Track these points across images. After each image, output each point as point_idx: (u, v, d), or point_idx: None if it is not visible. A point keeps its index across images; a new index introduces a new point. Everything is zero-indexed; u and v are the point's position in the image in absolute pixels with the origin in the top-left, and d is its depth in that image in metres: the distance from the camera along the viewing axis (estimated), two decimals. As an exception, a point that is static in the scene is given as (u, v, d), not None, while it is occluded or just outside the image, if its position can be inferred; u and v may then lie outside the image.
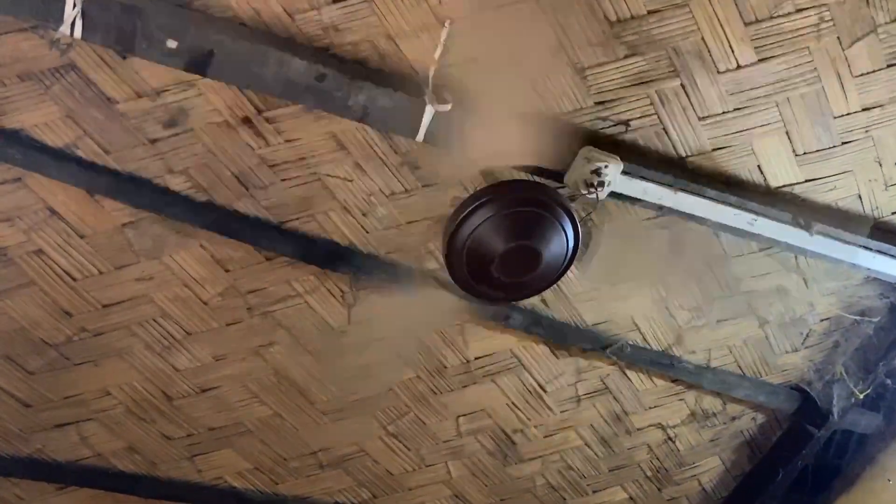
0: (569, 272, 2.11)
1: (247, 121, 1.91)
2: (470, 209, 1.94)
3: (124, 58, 1.75)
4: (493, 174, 2.02)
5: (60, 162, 1.90)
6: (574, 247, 2.02)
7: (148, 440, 2.49)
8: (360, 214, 2.11)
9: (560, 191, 2.01)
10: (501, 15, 1.81)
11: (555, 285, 2.15)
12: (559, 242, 1.99)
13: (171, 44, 1.68)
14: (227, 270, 2.16)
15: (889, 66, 2.01)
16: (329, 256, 2.17)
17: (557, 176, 1.99)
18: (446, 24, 1.79)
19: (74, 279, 2.11)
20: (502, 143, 1.94)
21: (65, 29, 1.60)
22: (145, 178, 1.97)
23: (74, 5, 1.58)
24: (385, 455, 2.68)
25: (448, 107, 1.82)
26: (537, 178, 2.03)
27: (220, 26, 1.72)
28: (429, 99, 1.81)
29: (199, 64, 1.72)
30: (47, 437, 2.41)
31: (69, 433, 2.41)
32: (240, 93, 1.85)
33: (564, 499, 2.90)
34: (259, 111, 1.90)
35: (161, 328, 2.25)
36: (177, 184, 2.00)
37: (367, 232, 2.16)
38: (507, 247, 1.94)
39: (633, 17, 1.86)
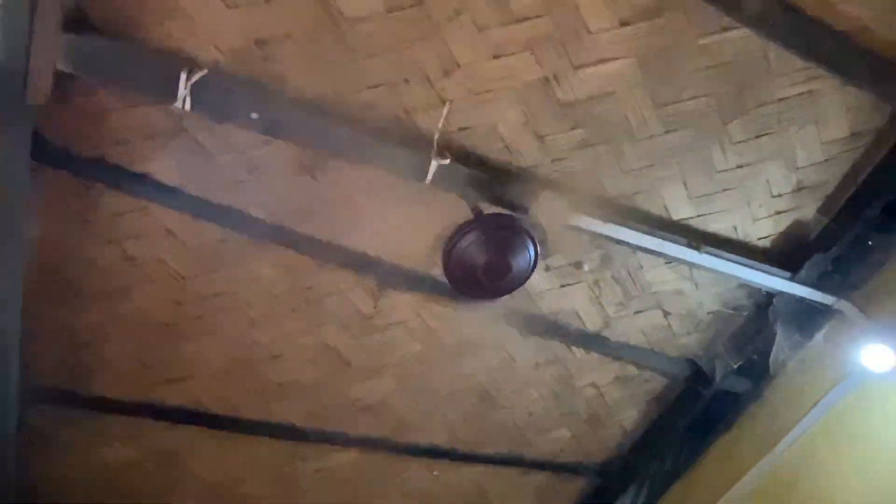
0: (531, 278, 2.11)
1: (307, 168, 1.90)
2: (462, 233, 1.94)
3: (220, 124, 1.74)
4: (479, 208, 2.01)
5: (174, 196, 1.89)
6: (534, 260, 2.02)
7: (235, 392, 2.47)
8: (384, 235, 2.10)
9: (525, 221, 2.00)
10: (485, 99, 1.82)
11: (521, 286, 2.15)
12: (524, 257, 1.99)
13: (254, 115, 1.68)
14: (291, 273, 2.15)
15: (757, 136, 2.02)
16: (363, 264, 2.15)
17: (525, 210, 1.96)
18: (447, 105, 1.79)
19: (183, 278, 2.09)
20: (487, 188, 1.93)
21: (178, 104, 1.59)
22: (234, 208, 1.96)
23: (184, 86, 1.57)
24: (402, 404, 2.65)
25: (447, 161, 1.81)
26: (509, 212, 2.00)
27: (286, 104, 1.73)
28: (433, 155, 1.80)
29: (272, 129, 1.72)
30: (162, 389, 2.40)
31: (177, 386, 2.39)
32: (301, 151, 1.84)
33: (527, 436, 2.87)
34: (315, 163, 1.88)
35: (244, 313, 2.23)
36: (256, 212, 1.98)
37: (391, 248, 2.14)
38: (487, 259, 1.95)
39: (577, 101, 1.86)
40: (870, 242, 2.27)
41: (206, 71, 1.59)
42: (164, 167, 1.84)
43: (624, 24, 1.73)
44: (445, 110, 1.80)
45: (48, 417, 2.39)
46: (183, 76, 1.57)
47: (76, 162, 1.78)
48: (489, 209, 1.99)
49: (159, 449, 2.59)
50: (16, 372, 2.07)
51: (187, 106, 1.59)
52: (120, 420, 2.45)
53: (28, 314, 1.97)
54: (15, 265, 1.82)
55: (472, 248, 1.97)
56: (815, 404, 2.34)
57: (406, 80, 1.75)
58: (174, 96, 1.58)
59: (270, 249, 2.06)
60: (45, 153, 1.73)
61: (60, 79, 1.53)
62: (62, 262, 1.99)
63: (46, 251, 1.94)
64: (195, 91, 1.58)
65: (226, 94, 1.64)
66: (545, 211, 1.92)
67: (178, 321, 2.19)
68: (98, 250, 1.97)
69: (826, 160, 2.11)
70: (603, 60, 1.79)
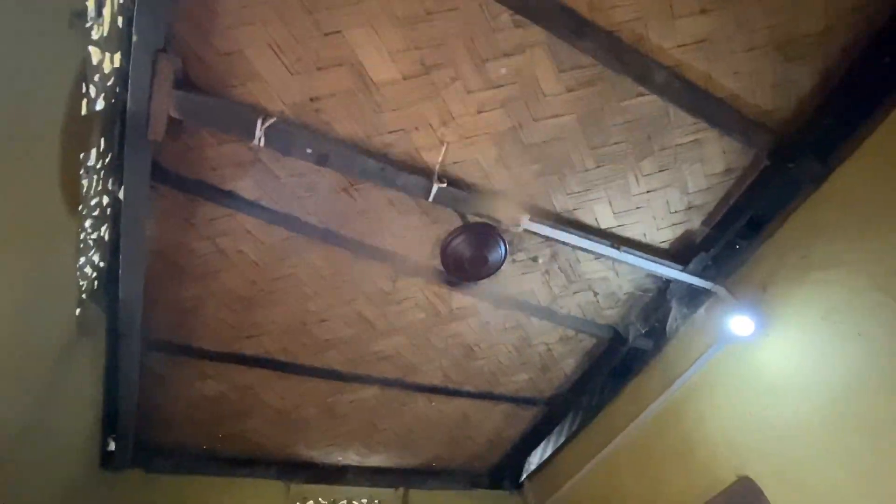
0: (501, 268, 2.10)
1: (345, 189, 1.89)
2: (453, 236, 1.93)
3: (285, 155, 1.71)
4: (466, 218, 1.99)
5: (252, 207, 1.88)
6: (504, 255, 2.01)
7: (293, 345, 2.44)
8: (399, 236, 2.08)
9: (499, 227, 1.98)
10: (471, 142, 1.81)
11: (495, 273, 2.14)
12: (497, 253, 1.98)
13: (309, 151, 1.66)
14: (333, 262, 2.12)
15: (660, 170, 2.02)
16: (384, 257, 2.13)
17: (498, 220, 1.94)
18: (444, 145, 1.79)
19: (258, 265, 2.07)
20: (472, 205, 1.92)
21: (255, 142, 1.58)
22: (295, 216, 1.94)
23: (259, 129, 1.56)
24: (409, 355, 2.63)
25: (444, 185, 1.80)
26: (488, 221, 1.98)
27: (332, 143, 1.71)
28: (434, 181, 1.79)
29: (322, 160, 1.70)
30: (243, 342, 2.37)
31: (253, 340, 2.37)
32: (342, 176, 1.83)
33: (497, 378, 2.87)
34: (351, 184, 1.87)
35: (301, 290, 2.20)
36: (311, 219, 1.97)
37: (403, 245, 2.12)
38: (471, 254, 1.94)
39: (536, 143, 1.85)
40: (737, 246, 2.27)
41: (275, 119, 1.58)
42: (245, 186, 1.83)
43: (569, 90, 1.74)
44: (443, 149, 1.79)
45: (163, 362, 2.37)
46: (259, 122, 1.56)
47: (183, 182, 1.77)
48: (473, 219, 1.99)
49: (241, 384, 2.57)
50: (138, 329, 2.05)
51: (262, 143, 1.59)
52: (213, 364, 2.43)
53: (149, 289, 1.96)
54: (140, 255, 1.81)
55: (461, 245, 1.95)
56: (697, 358, 2.34)
57: (416, 128, 1.74)
58: (253, 136, 1.57)
59: (320, 246, 2.05)
60: (161, 175, 1.72)
61: (172, 123, 1.52)
62: (173, 253, 1.97)
63: (162, 245, 1.93)
64: (268, 133, 1.58)
65: (289, 135, 1.63)
66: (513, 220, 1.91)
67: (253, 295, 2.17)
68: (198, 244, 1.96)
69: (709, 187, 2.11)
70: (554, 115, 1.79)
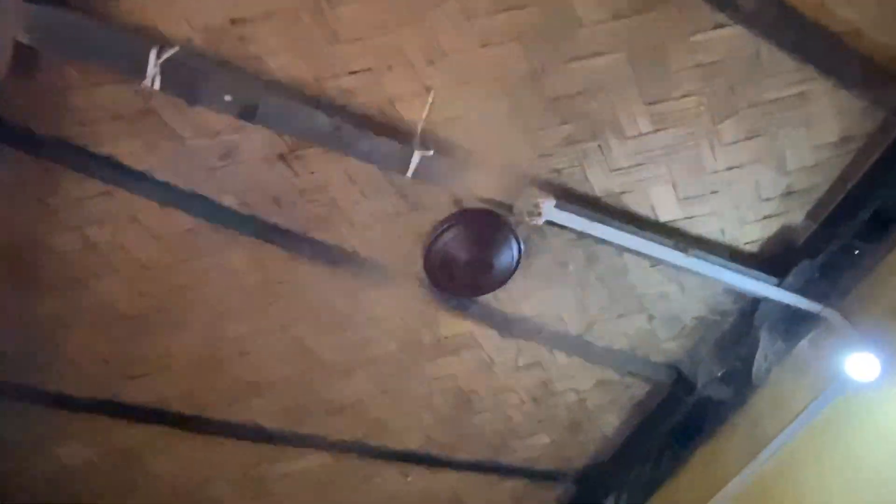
0: (512, 277, 2.10)
1: (282, 157, 1.87)
2: (443, 229, 1.94)
3: (192, 106, 1.69)
4: (462, 203, 2.00)
5: (140, 181, 1.86)
6: (517, 260, 2.02)
7: (201, 389, 2.42)
8: (362, 229, 2.08)
9: (509, 218, 1.99)
10: (470, 90, 1.81)
11: (503, 286, 2.15)
12: (507, 255, 1.99)
13: (227, 98, 1.65)
14: (262, 266, 2.12)
15: (748, 138, 2.03)
16: (339, 259, 2.13)
17: (508, 207, 1.96)
18: (431, 94, 1.78)
19: (148, 268, 2.05)
20: (472, 182, 1.93)
21: (147, 83, 1.56)
22: (204, 195, 1.93)
23: (153, 64, 1.54)
24: (376, 406, 2.62)
25: (430, 153, 1.80)
26: (493, 208, 1.99)
27: (264, 86, 1.70)
28: (416, 147, 1.79)
29: (247, 114, 1.69)
30: (123, 385, 2.34)
31: (139, 382, 2.34)
32: (277, 136, 1.82)
33: (504, 441, 2.86)
34: (291, 150, 1.86)
35: (212, 307, 2.19)
36: (228, 201, 1.96)
37: (369, 242, 2.12)
38: (468, 257, 1.95)
39: (566, 96, 1.86)
40: (857, 251, 2.29)
41: (177, 49, 1.56)
42: (130, 150, 1.80)
43: (617, 17, 1.74)
44: (430, 100, 1.78)
45: (1, 413, 2.32)
46: (153, 54, 1.53)
47: (36, 142, 1.74)
48: (472, 205, 1.99)
49: (119, 448, 2.53)
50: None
51: (156, 85, 1.56)
52: (78, 417, 2.39)
53: (-21, 303, 1.94)
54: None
55: (454, 244, 1.96)
56: (798, 413, 2.35)
57: (389, 67, 1.73)
58: (143, 75, 1.54)
59: (242, 240, 2.03)
60: (3, 131, 1.69)
61: (20, 52, 1.49)
62: (19, 249, 1.94)
63: (2, 236, 1.90)
64: (165, 70, 1.55)
65: (198, 75, 1.61)
66: (530, 208, 1.91)
67: (141, 314, 2.15)
68: (58, 236, 1.93)
69: (816, 164, 2.13)
70: (593, 54, 1.79)
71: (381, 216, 2.04)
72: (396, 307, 2.30)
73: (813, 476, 2.31)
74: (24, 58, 1.53)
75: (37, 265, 1.97)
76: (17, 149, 1.74)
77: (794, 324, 2.42)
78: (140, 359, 2.27)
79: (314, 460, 2.75)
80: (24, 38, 1.46)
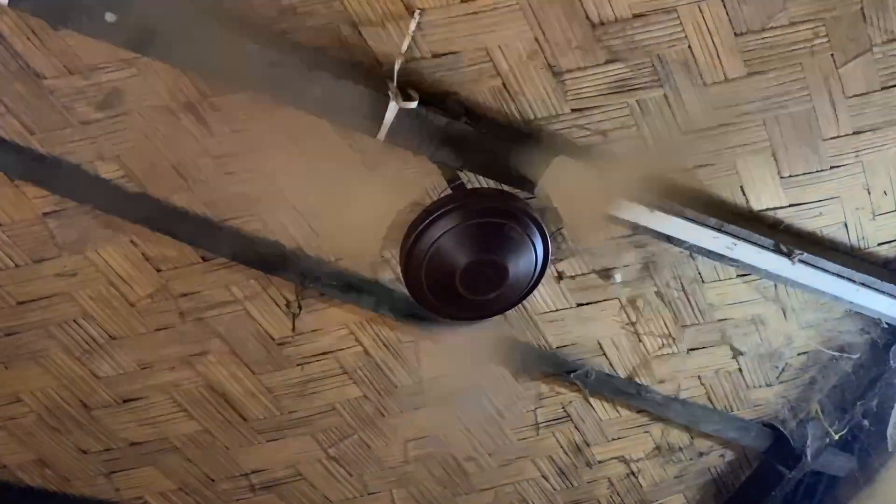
0: (535, 291, 2.12)
1: (190, 106, 1.89)
2: (432, 217, 1.93)
3: (56, 30, 1.70)
4: (459, 180, 2.00)
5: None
6: (543, 262, 2.03)
7: (61, 453, 2.45)
8: (310, 216, 2.10)
9: (530, 202, 2.01)
10: (475, 10, 1.80)
11: (521, 301, 2.16)
12: (527, 258, 1.99)
13: (110, 17, 1.64)
14: (158, 270, 2.14)
15: (884, 88, 2.04)
16: (273, 260, 2.15)
17: (529, 185, 1.98)
18: (416, 14, 1.77)
19: None
20: (471, 147, 1.94)
21: (-10, -1, 1.56)
22: (73, 164, 1.94)
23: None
24: (324, 480, 2.66)
25: (414, 104, 1.80)
26: (506, 188, 2.01)
27: (161, 3, 1.68)
28: (393, 95, 1.79)
29: (139, 42, 1.69)
30: None
31: None
32: (184, 76, 1.82)
33: (516, 538, 2.89)
34: (204, 96, 1.87)
35: (82, 330, 2.22)
36: (108, 171, 1.97)
37: (318, 235, 2.14)
38: (470, 260, 1.94)
39: (616, 20, 1.86)
40: None
41: (32, -58, 1.56)
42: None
43: None
44: (413, 24, 1.78)
45: None
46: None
47: None
48: (474, 182, 2.01)
49: None
50: None
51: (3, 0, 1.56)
52: None
53: None
54: None
55: (447, 241, 1.95)
56: (952, 496, 2.39)
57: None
58: (-18, -17, 1.56)
59: (128, 231, 2.05)
60: None
61: None
62: None
63: None
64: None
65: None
66: (561, 188, 1.93)
67: None
68: None
69: None
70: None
71: (339, 197, 2.05)
72: (359, 333, 2.34)
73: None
74: None
75: None
76: None
77: (949, 364, 2.45)
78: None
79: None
80: None
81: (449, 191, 2.01)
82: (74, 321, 2.19)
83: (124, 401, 2.35)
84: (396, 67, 1.80)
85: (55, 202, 1.98)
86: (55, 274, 2.09)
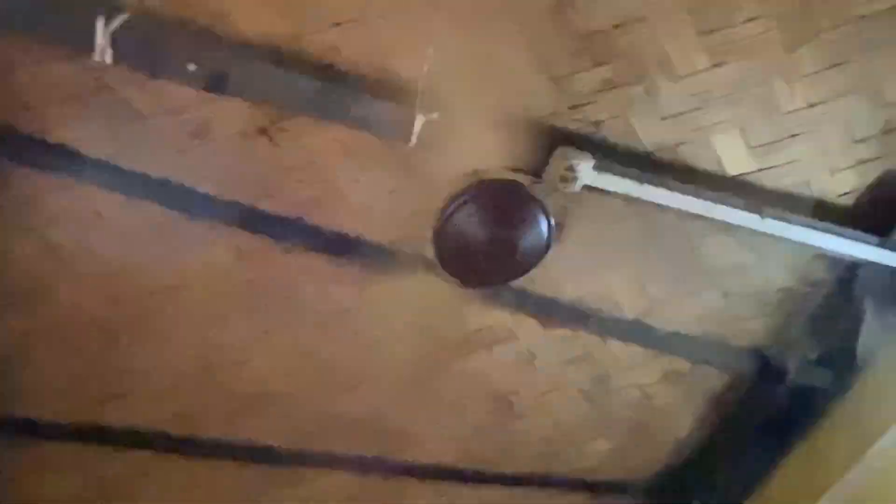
0: (548, 254, 2.13)
1: (263, 131, 1.91)
2: (456, 205, 1.97)
3: (152, 78, 1.75)
4: (478, 174, 2.02)
5: (101, 171, 1.92)
6: (548, 236, 2.04)
7: (191, 407, 2.52)
8: (362, 210, 2.12)
9: (538, 186, 2.02)
10: (483, 34, 1.82)
11: (539, 266, 2.18)
12: (535, 233, 2.01)
13: (191, 67, 1.69)
14: (251, 261, 2.18)
15: (833, 66, 1.99)
16: (341, 247, 2.18)
17: (536, 173, 1.99)
18: (432, 42, 1.79)
19: (119, 272, 2.13)
20: (488, 146, 1.95)
21: (97, 57, 1.61)
22: (176, 182, 1.99)
23: (103, 34, 1.59)
24: (399, 415, 2.70)
25: (436, 115, 1.83)
26: (515, 177, 2.02)
27: (233, 50, 1.73)
28: (419, 109, 1.81)
29: (216, 84, 1.73)
30: (102, 407, 2.45)
31: (120, 403, 2.45)
32: (255, 107, 1.86)
33: (554, 450, 2.92)
34: (273, 122, 1.90)
35: (197, 310, 2.27)
36: (204, 187, 2.01)
37: (372, 225, 2.17)
38: (486, 236, 1.98)
39: (600, 31, 1.84)
40: None
41: (128, 15, 1.60)
42: (86, 135, 1.86)
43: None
44: (431, 51, 1.79)
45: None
46: (100, 23, 1.58)
47: (-25, 133, 1.82)
48: (490, 175, 2.02)
49: (105, 478, 2.66)
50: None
51: (108, 59, 1.61)
52: (55, 447, 2.52)
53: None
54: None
55: (469, 224, 1.99)
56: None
57: (380, 15, 1.74)
58: (92, 47, 1.60)
59: (224, 232, 2.08)
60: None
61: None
62: None
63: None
64: (117, 39, 1.59)
65: (156, 42, 1.66)
66: (563, 172, 1.93)
67: (115, 323, 2.23)
68: (12, 242, 2.01)
69: (923, 92, 2.09)
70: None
71: (383, 194, 2.08)
72: (412, 298, 2.34)
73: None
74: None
75: None
76: (-45, 143, 1.83)
77: (905, 293, 2.40)
78: (119, 375, 2.37)
79: (333, 482, 2.86)
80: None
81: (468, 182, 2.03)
82: (193, 305, 2.25)
83: (235, 363, 2.43)
84: (420, 87, 1.82)
85: (165, 214, 2.02)
86: (173, 269, 2.16)
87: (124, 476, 2.68)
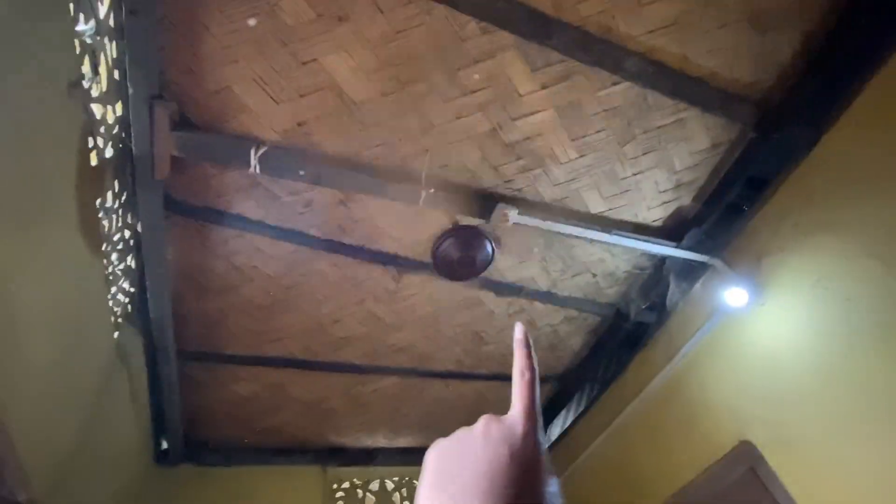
0: (494, 261, 2.17)
1: (341, 202, 1.96)
2: (443, 237, 2.01)
3: (281, 178, 1.81)
4: (455, 221, 2.06)
5: (258, 226, 1.97)
6: (492, 254, 2.09)
7: (313, 345, 2.54)
8: (396, 239, 2.14)
9: (486, 226, 2.04)
10: (454, 147, 1.85)
11: (483, 272, 2.23)
12: (484, 253, 2.05)
13: (301, 172, 1.75)
14: (339, 269, 2.20)
15: (645, 153, 2.02)
16: (385, 259, 2.20)
17: (485, 218, 2.00)
18: (428, 153, 1.84)
19: (271, 277, 2.16)
20: (460, 205, 1.97)
21: (251, 169, 1.67)
22: (298, 230, 2.03)
23: (254, 158, 1.65)
24: (423, 346, 2.69)
25: (432, 191, 1.87)
26: (474, 223, 2.06)
27: (323, 162, 1.78)
28: (423, 187, 1.86)
29: (315, 179, 1.78)
30: (267, 346, 2.50)
31: (277, 343, 2.48)
32: (337, 191, 1.91)
33: (508, 359, 2.91)
34: (346, 197, 1.95)
35: (313, 296, 2.28)
36: (313, 231, 2.05)
37: (402, 247, 2.19)
38: (459, 256, 2.01)
39: (517, 141, 1.89)
40: (731, 218, 2.21)
41: (266, 147, 1.67)
42: (249, 208, 1.93)
43: (544, 87, 1.76)
44: (428, 156, 1.84)
45: (199, 370, 2.54)
46: (253, 151, 1.66)
47: (194, 210, 1.89)
48: (464, 220, 2.05)
49: (270, 383, 2.72)
50: (172, 344, 2.22)
51: (258, 170, 1.68)
52: (243, 368, 2.58)
53: (176, 307, 2.12)
54: (164, 278, 1.95)
55: (450, 249, 2.02)
56: (697, 330, 2.36)
57: (399, 139, 1.79)
58: (249, 164, 1.67)
59: (324, 255, 2.13)
60: (173, 206, 1.84)
61: (176, 160, 1.63)
62: (194, 273, 2.10)
63: (183, 267, 2.07)
64: (262, 160, 1.67)
65: (282, 160, 1.72)
66: (501, 217, 1.96)
67: (271, 304, 2.28)
68: (215, 263, 2.08)
69: (696, 164, 2.09)
70: (532, 112, 1.81)
71: (407, 231, 2.10)
72: (426, 284, 2.36)
73: (708, 372, 2.32)
74: (178, 163, 1.67)
75: (205, 281, 2.14)
76: (183, 215, 1.90)
77: (692, 271, 2.39)
78: (274, 330, 2.42)
79: (388, 381, 2.88)
80: (176, 153, 1.61)
81: (450, 225, 2.07)
82: (310, 293, 2.28)
83: (334, 321, 2.45)
84: (423, 175, 1.86)
85: (294, 248, 2.05)
86: (299, 273, 2.19)
87: (278, 383, 2.72)
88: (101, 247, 1.62)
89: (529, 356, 0.42)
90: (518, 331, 0.44)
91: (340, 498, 3.16)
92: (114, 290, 1.81)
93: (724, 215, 2.22)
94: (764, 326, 2.07)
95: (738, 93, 1.86)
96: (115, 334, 1.87)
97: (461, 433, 0.39)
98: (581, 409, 3.16)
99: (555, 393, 3.26)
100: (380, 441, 3.36)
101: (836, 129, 1.89)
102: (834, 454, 1.77)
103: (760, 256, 2.13)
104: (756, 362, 2.08)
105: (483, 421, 0.39)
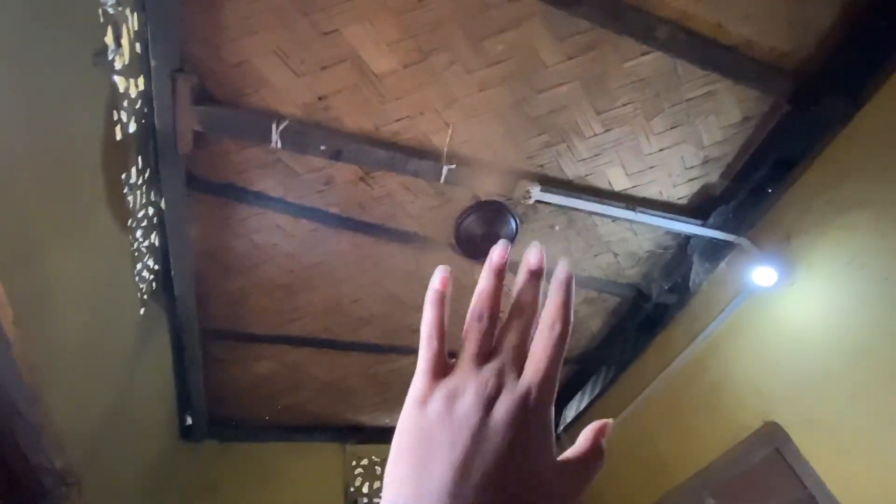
0: (516, 238, 2.11)
1: (361, 178, 1.94)
2: (464, 216, 1.98)
3: (301, 154, 1.78)
4: (477, 197, 2.03)
5: (279, 203, 1.96)
6: (515, 231, 2.05)
7: (332, 324, 2.55)
8: (416, 218, 2.12)
9: (508, 202, 2.01)
10: (476, 121, 1.81)
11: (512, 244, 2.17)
12: (508, 229, 2.01)
13: (322, 147, 1.72)
14: (359, 248, 2.19)
15: (672, 127, 1.95)
16: (404, 237, 2.17)
17: (507, 195, 1.98)
18: (450, 127, 1.80)
19: (292, 256, 2.16)
20: (483, 182, 1.94)
21: (273, 144, 1.66)
22: (318, 208, 2.02)
23: (275, 133, 1.63)
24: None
25: (453, 166, 1.83)
26: (497, 198, 2.02)
27: (343, 137, 1.76)
28: (444, 162, 1.82)
29: (335, 155, 1.76)
30: (288, 325, 2.51)
31: (296, 323, 2.50)
32: (357, 167, 1.88)
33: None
34: (366, 174, 1.92)
35: (333, 275, 2.28)
36: (333, 209, 2.04)
37: (421, 225, 2.16)
38: (482, 232, 1.98)
39: (541, 115, 1.84)
40: (760, 196, 2.15)
41: (287, 121, 1.65)
42: (270, 185, 1.92)
43: (570, 57, 1.70)
44: (450, 131, 1.81)
45: (222, 348, 2.57)
46: (274, 126, 1.64)
47: (215, 187, 1.88)
48: (484, 197, 2.02)
49: (290, 362, 2.74)
50: (196, 322, 2.24)
51: (279, 145, 1.67)
52: (264, 346, 2.60)
53: (199, 285, 2.14)
54: (187, 256, 1.97)
55: (473, 225, 1.99)
56: (721, 310, 2.31)
57: (421, 113, 1.76)
58: (270, 140, 1.65)
59: (344, 233, 2.12)
60: (196, 184, 1.84)
61: (198, 136, 1.63)
62: (216, 251, 2.11)
63: (206, 245, 2.07)
64: (283, 135, 1.65)
65: (303, 135, 1.70)
66: (523, 194, 1.92)
67: (292, 283, 2.29)
68: (236, 242, 2.08)
69: (725, 139, 2.03)
70: (557, 85, 1.76)
71: (427, 209, 2.08)
72: (444, 265, 2.36)
73: (732, 352, 2.28)
74: (200, 138, 1.66)
75: (228, 260, 2.14)
76: (205, 192, 1.89)
77: (717, 250, 2.34)
78: (294, 309, 2.42)
79: (406, 361, 2.88)
80: (197, 128, 1.60)
81: (472, 202, 2.03)
82: (330, 272, 2.27)
83: (352, 301, 2.44)
84: (445, 150, 1.83)
85: (313, 226, 2.04)
86: (318, 253, 2.19)
87: (298, 361, 2.74)
88: (127, 222, 1.62)
89: (568, 304, 0.32)
90: (560, 269, 0.33)
91: (359, 474, 3.21)
92: (139, 266, 1.82)
93: (752, 193, 2.15)
94: (793, 306, 2.02)
95: (774, 63, 1.78)
96: (142, 311, 1.89)
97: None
98: (598, 391, 3.14)
99: (573, 374, 3.24)
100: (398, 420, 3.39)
101: (874, 101, 1.80)
102: (864, 434, 1.73)
103: (790, 235, 2.06)
104: (784, 342, 2.03)
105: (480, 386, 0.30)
